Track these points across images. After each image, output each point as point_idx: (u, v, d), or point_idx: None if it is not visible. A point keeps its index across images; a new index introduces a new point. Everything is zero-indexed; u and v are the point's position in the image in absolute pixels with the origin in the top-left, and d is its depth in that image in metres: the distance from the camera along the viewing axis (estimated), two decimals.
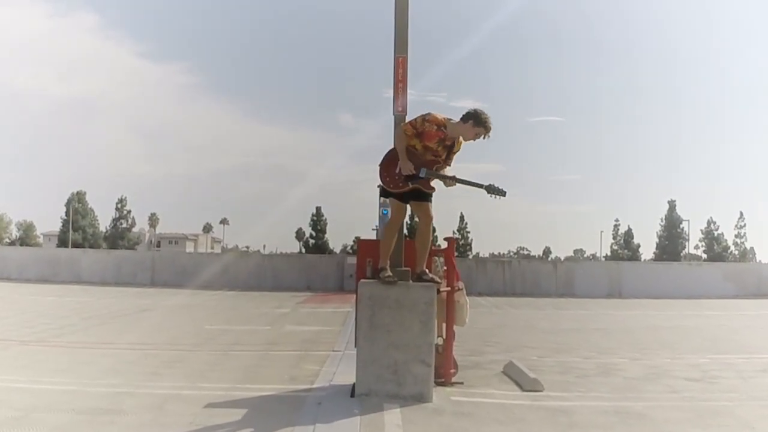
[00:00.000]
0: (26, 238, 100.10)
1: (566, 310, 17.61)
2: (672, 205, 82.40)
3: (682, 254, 79.50)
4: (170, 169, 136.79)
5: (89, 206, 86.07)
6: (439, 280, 6.05)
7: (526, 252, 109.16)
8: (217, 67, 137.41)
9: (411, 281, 5.89)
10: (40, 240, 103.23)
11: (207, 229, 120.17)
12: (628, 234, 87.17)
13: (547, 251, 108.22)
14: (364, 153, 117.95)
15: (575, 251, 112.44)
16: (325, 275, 23.46)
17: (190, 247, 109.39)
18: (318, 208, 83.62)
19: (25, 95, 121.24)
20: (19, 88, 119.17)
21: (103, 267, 24.09)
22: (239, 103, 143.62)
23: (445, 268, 6.62)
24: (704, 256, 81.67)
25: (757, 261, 75.25)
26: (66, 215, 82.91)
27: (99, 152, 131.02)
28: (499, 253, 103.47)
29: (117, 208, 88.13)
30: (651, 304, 19.68)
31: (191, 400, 5.82)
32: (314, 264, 24.68)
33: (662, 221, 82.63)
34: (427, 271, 5.97)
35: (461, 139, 5.82)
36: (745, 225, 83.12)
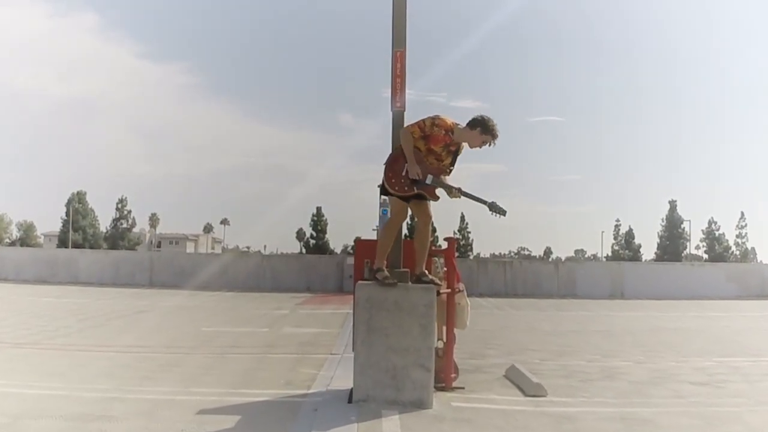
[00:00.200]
0: (26, 238, 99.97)
1: (568, 312, 17.43)
2: (673, 205, 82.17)
3: (683, 254, 79.29)
4: (170, 169, 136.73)
5: (89, 206, 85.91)
6: (439, 282, 5.87)
7: (526, 252, 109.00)
8: (217, 67, 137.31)
9: (410, 283, 5.72)
10: (41, 240, 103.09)
11: (207, 229, 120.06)
12: (629, 234, 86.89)
13: (547, 251, 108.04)
14: (364, 153, 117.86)
15: (576, 251, 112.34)
16: (324, 276, 23.30)
17: (190, 248, 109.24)
18: (318, 208, 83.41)
19: (25, 95, 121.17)
20: (19, 88, 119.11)
21: (101, 268, 23.92)
22: (239, 103, 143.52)
23: (445, 269, 6.44)
24: (705, 256, 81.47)
25: (759, 261, 75.16)
26: (66, 215, 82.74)
27: (99, 152, 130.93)
28: (500, 253, 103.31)
29: (117, 208, 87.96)
30: (653, 305, 19.51)
31: (184, 406, 5.65)
32: (314, 264, 24.49)
33: (663, 221, 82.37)
34: (426, 272, 5.80)
35: (467, 145, 5.72)
36: (746, 225, 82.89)
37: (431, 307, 5.51)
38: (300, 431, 4.85)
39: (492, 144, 5.67)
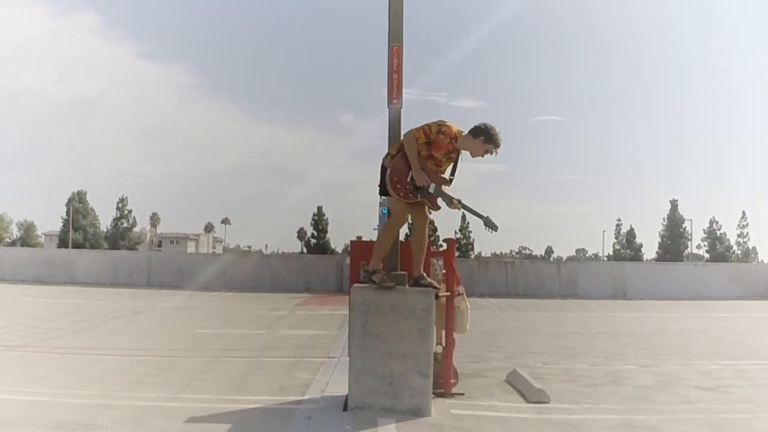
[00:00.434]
0: (27, 238, 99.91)
1: (570, 312, 17.22)
2: (674, 204, 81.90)
3: (684, 254, 79.07)
4: (170, 169, 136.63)
5: (90, 206, 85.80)
6: (437, 285, 5.67)
7: (528, 252, 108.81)
8: (217, 67, 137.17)
9: (407, 286, 5.51)
10: (41, 240, 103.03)
11: (208, 228, 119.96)
12: (630, 234, 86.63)
13: (548, 251, 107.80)
14: (364, 153, 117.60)
15: (577, 251, 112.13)
16: (324, 276, 23.09)
17: (191, 247, 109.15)
18: (319, 208, 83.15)
19: (26, 95, 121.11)
20: (19, 88, 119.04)
21: (98, 268, 23.73)
22: (239, 103, 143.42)
23: (444, 271, 6.23)
24: (707, 255, 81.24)
25: (760, 261, 74.94)
26: (66, 215, 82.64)
27: (99, 152, 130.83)
28: (501, 252, 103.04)
29: (118, 208, 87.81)
30: (656, 306, 19.30)
31: (173, 413, 5.45)
32: (313, 265, 24.29)
33: (664, 221, 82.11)
34: (425, 274, 5.60)
35: (468, 153, 5.57)
36: (747, 225, 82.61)
37: (429, 311, 5.31)
38: None
39: (494, 153, 5.54)
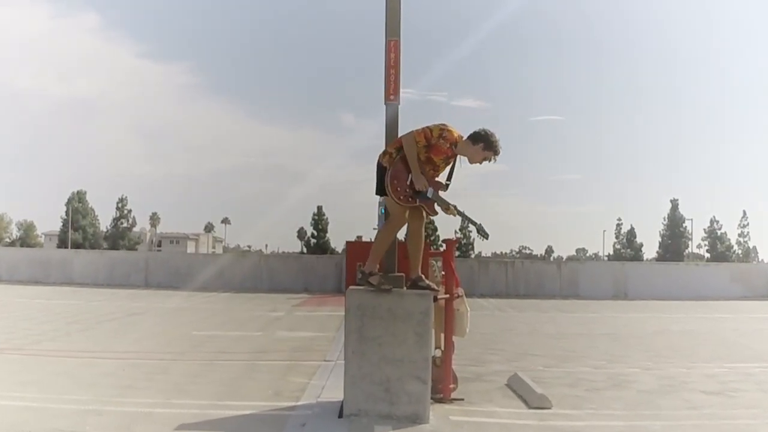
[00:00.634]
0: (26, 237, 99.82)
1: (571, 313, 17.03)
2: (674, 204, 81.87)
3: (685, 253, 78.94)
4: (171, 169, 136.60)
5: (90, 206, 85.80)
6: (436, 287, 5.49)
7: (528, 251, 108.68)
8: (217, 67, 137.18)
9: (405, 288, 5.34)
10: (41, 240, 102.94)
11: (208, 228, 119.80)
12: (631, 233, 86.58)
13: (549, 250, 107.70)
14: (365, 153, 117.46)
15: (577, 250, 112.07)
16: (323, 276, 22.86)
17: (191, 247, 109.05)
18: (319, 208, 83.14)
19: (26, 95, 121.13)
20: (19, 88, 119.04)
21: (95, 268, 23.53)
22: (239, 103, 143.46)
23: (443, 272, 6.06)
24: (707, 255, 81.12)
25: (761, 260, 74.80)
26: (66, 215, 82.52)
27: (99, 152, 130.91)
28: (501, 252, 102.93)
29: (118, 208, 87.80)
30: (658, 306, 19.11)
31: (163, 420, 5.28)
32: (312, 265, 24.07)
33: (665, 220, 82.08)
34: (423, 276, 5.42)
35: (466, 159, 5.44)
36: (748, 224, 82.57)
37: (428, 315, 5.13)
38: None
39: (493, 160, 5.41)
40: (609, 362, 8.71)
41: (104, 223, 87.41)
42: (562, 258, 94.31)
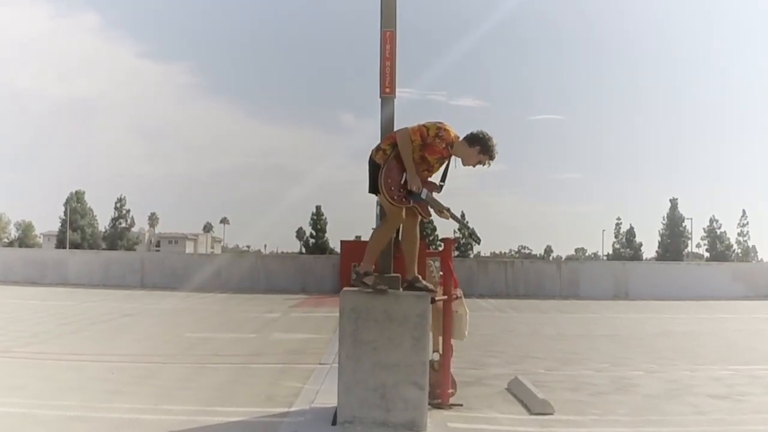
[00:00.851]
0: (25, 238, 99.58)
1: (572, 314, 16.82)
2: (674, 203, 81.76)
3: (684, 253, 78.81)
4: (170, 169, 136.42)
5: (88, 206, 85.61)
6: (433, 289, 5.26)
7: (527, 251, 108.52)
8: (217, 67, 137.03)
9: (401, 290, 5.11)
10: (40, 240, 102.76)
11: (207, 228, 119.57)
12: (630, 232, 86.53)
13: (548, 250, 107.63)
14: (364, 153, 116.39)
15: (576, 250, 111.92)
16: (320, 277, 22.58)
17: (190, 247, 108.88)
18: (318, 207, 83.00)
19: (26, 95, 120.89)
20: (19, 88, 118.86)
21: (91, 269, 23.26)
22: (239, 102, 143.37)
23: (441, 273, 5.83)
24: (707, 254, 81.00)
25: (760, 259, 74.65)
26: (64, 215, 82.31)
27: (99, 152, 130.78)
28: (501, 252, 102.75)
29: (116, 208, 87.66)
30: (660, 306, 18.89)
31: (148, 427, 5.07)
32: (309, 265, 23.82)
33: (664, 220, 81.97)
34: (419, 277, 5.18)
35: (459, 161, 5.21)
36: (747, 223, 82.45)
37: (425, 318, 4.91)
38: None
39: (488, 164, 5.19)
40: (612, 365, 8.49)
41: (103, 223, 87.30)
42: (561, 258, 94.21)
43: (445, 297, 5.64)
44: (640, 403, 6.30)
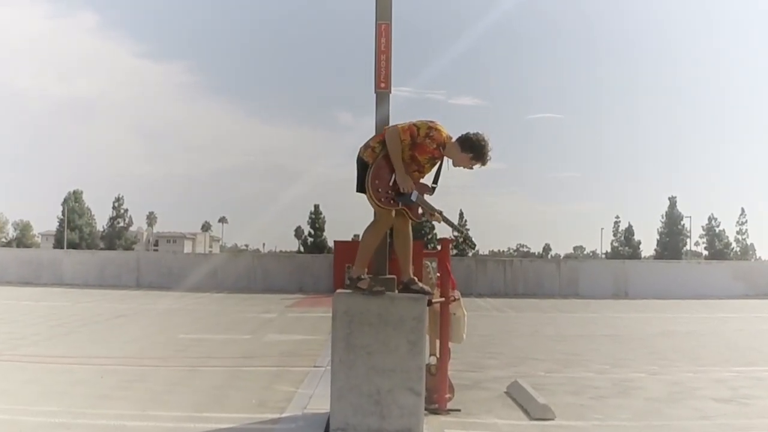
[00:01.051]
0: (23, 237, 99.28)
1: (572, 313, 16.65)
2: (673, 201, 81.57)
3: (683, 251, 78.69)
4: (170, 168, 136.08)
5: (86, 205, 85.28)
6: (430, 291, 5.06)
7: (525, 249, 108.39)
8: (217, 66, 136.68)
9: (396, 292, 4.92)
10: (38, 240, 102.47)
11: (206, 227, 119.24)
12: (629, 231, 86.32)
13: (546, 248, 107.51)
14: None
15: (575, 248, 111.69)
16: (317, 276, 22.37)
17: (188, 246, 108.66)
18: (316, 206, 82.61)
19: (26, 95, 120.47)
20: (19, 88, 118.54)
21: (86, 269, 23.05)
22: (239, 102, 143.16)
23: (438, 274, 5.65)
24: (705, 252, 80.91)
25: (758, 257, 74.56)
26: (62, 215, 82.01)
27: (99, 152, 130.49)
28: (499, 250, 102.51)
29: (114, 207, 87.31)
30: (660, 306, 18.72)
31: None
32: (307, 264, 23.61)
33: (663, 218, 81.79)
34: (415, 279, 4.99)
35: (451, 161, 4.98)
36: (746, 221, 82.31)
37: (421, 321, 4.72)
38: None
39: (479, 167, 4.97)
40: (613, 366, 8.32)
41: (101, 222, 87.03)
42: (560, 256, 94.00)
43: (443, 299, 5.46)
44: (643, 407, 6.13)
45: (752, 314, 16.99)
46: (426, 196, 4.89)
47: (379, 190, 4.76)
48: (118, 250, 68.19)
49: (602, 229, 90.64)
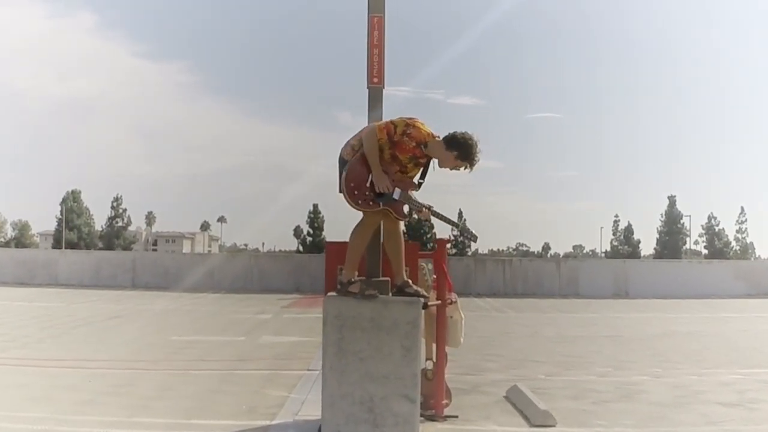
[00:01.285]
0: (22, 237, 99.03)
1: (572, 314, 16.46)
2: (672, 200, 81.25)
3: (682, 250, 78.49)
4: (169, 168, 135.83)
5: (84, 205, 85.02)
6: (425, 294, 4.84)
7: (525, 248, 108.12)
8: (216, 66, 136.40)
9: (390, 295, 4.72)
10: (37, 239, 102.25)
11: (205, 227, 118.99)
12: (628, 230, 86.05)
13: (546, 247, 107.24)
14: None
15: (574, 247, 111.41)
16: (315, 276, 22.15)
17: (187, 246, 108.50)
18: (315, 206, 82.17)
19: (25, 95, 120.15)
20: (19, 88, 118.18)
21: (81, 269, 22.86)
22: (239, 102, 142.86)
23: (434, 276, 5.44)
24: (705, 251, 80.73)
25: (758, 256, 74.38)
26: (61, 214, 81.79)
27: (98, 152, 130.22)
28: (499, 249, 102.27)
29: (113, 207, 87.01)
30: (661, 305, 18.54)
31: None
32: (304, 264, 23.42)
33: (662, 217, 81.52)
34: (410, 281, 4.77)
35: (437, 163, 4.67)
36: (746, 220, 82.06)
37: (416, 325, 4.51)
38: None
39: (468, 169, 4.61)
40: (615, 369, 8.12)
41: (100, 222, 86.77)
42: (559, 255, 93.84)
43: (439, 302, 5.25)
44: (647, 412, 5.93)
45: (754, 314, 16.80)
46: (413, 193, 4.60)
47: (356, 192, 4.49)
48: (116, 250, 67.95)
49: (602, 228, 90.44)
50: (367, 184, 4.49)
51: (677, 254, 73.83)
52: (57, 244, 76.56)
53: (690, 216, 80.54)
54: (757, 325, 14.33)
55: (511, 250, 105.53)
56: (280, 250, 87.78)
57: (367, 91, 5.01)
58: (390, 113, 5.03)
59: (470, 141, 4.52)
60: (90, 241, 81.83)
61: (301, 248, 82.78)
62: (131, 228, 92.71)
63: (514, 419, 5.55)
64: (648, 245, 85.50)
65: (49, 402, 5.89)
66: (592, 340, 11.12)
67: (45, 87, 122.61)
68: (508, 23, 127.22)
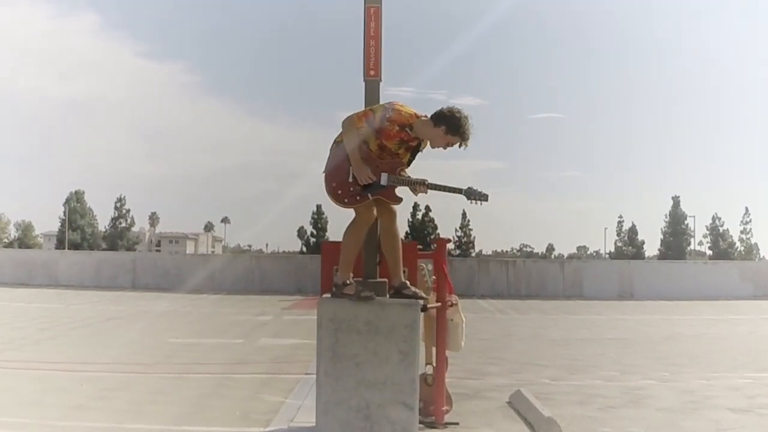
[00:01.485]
0: (25, 238, 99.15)
1: (577, 315, 16.24)
2: (676, 201, 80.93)
3: (687, 250, 78.12)
4: (172, 169, 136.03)
5: (88, 206, 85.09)
6: (424, 295, 4.65)
7: (529, 249, 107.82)
8: (219, 66, 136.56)
9: (387, 297, 4.53)
10: (40, 240, 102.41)
11: (208, 228, 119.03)
12: (633, 230, 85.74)
13: (550, 248, 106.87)
14: None
15: (578, 248, 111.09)
16: (317, 277, 21.86)
17: (190, 247, 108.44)
18: (318, 206, 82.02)
19: (28, 96, 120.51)
20: (21, 88, 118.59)
21: (81, 269, 22.71)
22: (242, 102, 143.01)
23: (434, 278, 5.24)
24: (709, 252, 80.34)
25: (762, 257, 73.94)
26: (64, 215, 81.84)
27: (102, 153, 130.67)
28: (502, 250, 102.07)
29: (116, 208, 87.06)
30: (667, 307, 18.30)
31: None
32: (305, 265, 23.22)
33: (666, 217, 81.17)
34: (407, 283, 4.58)
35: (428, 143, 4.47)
36: (750, 221, 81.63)
37: (414, 329, 4.32)
38: None
39: (463, 146, 4.39)
40: (622, 373, 7.91)
41: (103, 223, 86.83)
42: (563, 256, 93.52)
43: (439, 304, 5.06)
44: (655, 418, 5.73)
45: (762, 316, 16.56)
46: (403, 173, 4.38)
47: (339, 192, 4.30)
48: (120, 250, 67.94)
49: (606, 228, 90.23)
50: (350, 179, 4.28)
51: (682, 255, 73.51)
52: (60, 245, 76.68)
53: (694, 216, 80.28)
54: (765, 327, 14.10)
55: (514, 251, 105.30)
56: (284, 251, 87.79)
57: (363, 84, 4.81)
58: None
59: (457, 114, 4.32)
60: (93, 242, 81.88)
61: (304, 249, 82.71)
62: (135, 229, 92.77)
63: (517, 426, 5.35)
64: (652, 246, 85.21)
65: (38, 406, 5.72)
66: (597, 343, 10.91)
67: (48, 87, 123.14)
68: (511, 24, 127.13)
